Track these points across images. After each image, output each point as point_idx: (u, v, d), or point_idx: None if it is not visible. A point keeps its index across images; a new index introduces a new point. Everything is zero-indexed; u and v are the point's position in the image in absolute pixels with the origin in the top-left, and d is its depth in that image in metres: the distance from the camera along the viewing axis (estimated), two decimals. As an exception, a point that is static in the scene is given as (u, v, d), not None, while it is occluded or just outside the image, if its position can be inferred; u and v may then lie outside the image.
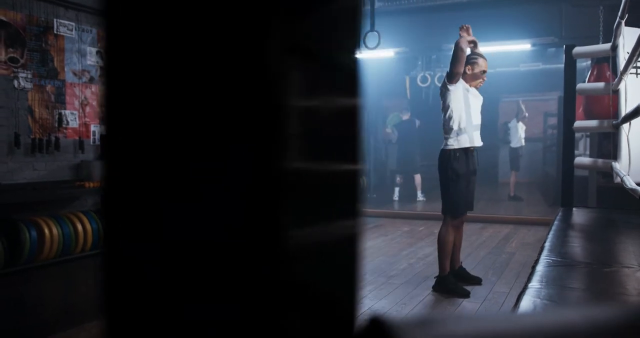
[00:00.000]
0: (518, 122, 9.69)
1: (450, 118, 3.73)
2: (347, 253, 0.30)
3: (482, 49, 7.35)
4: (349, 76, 0.32)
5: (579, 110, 4.88)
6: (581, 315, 0.38)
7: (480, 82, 3.84)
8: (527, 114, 9.82)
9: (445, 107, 3.76)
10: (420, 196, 9.28)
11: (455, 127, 3.71)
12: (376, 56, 7.71)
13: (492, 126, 12.12)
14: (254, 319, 0.29)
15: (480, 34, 6.85)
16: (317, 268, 0.30)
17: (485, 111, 12.80)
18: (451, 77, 3.69)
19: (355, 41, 0.33)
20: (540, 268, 2.48)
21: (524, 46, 6.91)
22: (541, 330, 0.35)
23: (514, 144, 9.53)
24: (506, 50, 7.40)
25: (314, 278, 0.30)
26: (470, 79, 3.77)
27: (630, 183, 2.55)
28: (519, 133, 9.47)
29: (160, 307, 0.29)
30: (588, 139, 6.85)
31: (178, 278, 0.29)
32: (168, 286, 0.29)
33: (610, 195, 5.61)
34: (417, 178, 9.33)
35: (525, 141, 10.02)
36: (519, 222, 6.85)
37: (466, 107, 3.73)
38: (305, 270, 0.30)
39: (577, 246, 3.05)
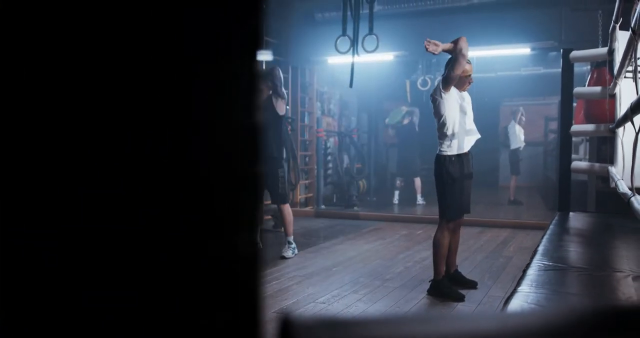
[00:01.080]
0: (516, 124, 9.67)
1: (444, 124, 3.73)
2: (247, 252, 0.30)
3: (482, 53, 7.36)
4: (247, 86, 0.32)
5: (580, 114, 4.88)
6: (500, 321, 0.38)
7: (467, 86, 3.84)
8: (524, 118, 9.80)
9: (439, 115, 3.76)
10: (420, 200, 9.27)
11: (449, 133, 3.72)
12: (376, 59, 7.71)
13: (493, 130, 12.10)
14: (153, 308, 0.29)
15: (479, 38, 6.86)
16: (217, 260, 0.30)
17: (486, 115, 12.88)
18: (448, 82, 3.67)
19: (255, 51, 0.33)
20: (531, 272, 2.47)
21: (523, 50, 6.90)
22: (460, 334, 0.35)
23: (513, 146, 9.51)
24: (506, 54, 7.40)
25: (215, 270, 0.30)
26: (457, 84, 3.77)
27: (622, 187, 2.54)
28: (517, 134, 9.46)
29: (58, 294, 0.29)
30: (588, 143, 6.83)
31: (75, 266, 0.29)
32: (66, 273, 0.29)
33: (609, 199, 5.58)
34: (417, 181, 9.32)
35: (526, 145, 9.99)
36: (517, 226, 6.83)
37: (461, 113, 3.73)
38: (205, 260, 0.30)
39: (570, 250, 3.03)
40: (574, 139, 6.51)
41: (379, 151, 12.26)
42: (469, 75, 3.81)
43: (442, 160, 3.77)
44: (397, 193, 9.42)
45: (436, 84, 3.85)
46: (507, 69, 10.19)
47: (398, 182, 9.57)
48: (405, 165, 9.43)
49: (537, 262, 2.66)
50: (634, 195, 1.99)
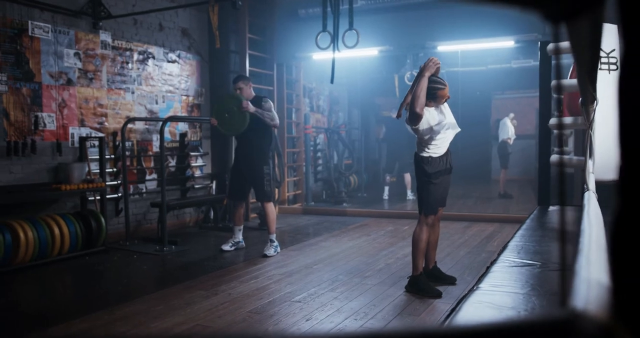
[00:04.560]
0: (508, 118, 9.64)
1: (421, 138, 3.74)
2: None
3: (466, 46, 7.31)
4: None
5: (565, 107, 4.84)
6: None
7: (444, 102, 3.81)
8: (515, 121, 9.81)
9: (415, 132, 3.76)
10: (410, 195, 9.23)
11: (425, 145, 3.73)
12: (362, 55, 7.67)
13: (485, 123, 12.09)
14: None
15: (463, 32, 6.82)
16: None
17: (477, 109, 12.78)
18: (414, 122, 3.66)
19: None
20: (495, 268, 2.44)
21: (507, 43, 6.85)
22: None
23: (501, 137, 9.48)
24: (491, 48, 7.35)
25: None
26: (433, 105, 3.74)
27: (589, 180, 2.51)
28: (508, 126, 9.43)
29: None
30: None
31: None
32: None
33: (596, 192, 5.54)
34: (407, 177, 9.28)
35: (517, 138, 9.96)
36: (504, 220, 6.80)
37: (436, 126, 3.69)
38: None
39: (541, 246, 3.00)
40: (564, 131, 6.47)
41: (371, 147, 12.22)
42: (446, 97, 3.78)
43: (419, 160, 3.76)
44: (387, 189, 9.38)
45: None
46: (498, 62, 10.17)
47: (388, 177, 9.53)
48: (394, 161, 9.39)
49: (504, 258, 2.63)
50: (587, 190, 1.96)
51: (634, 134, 0.45)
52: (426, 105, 3.67)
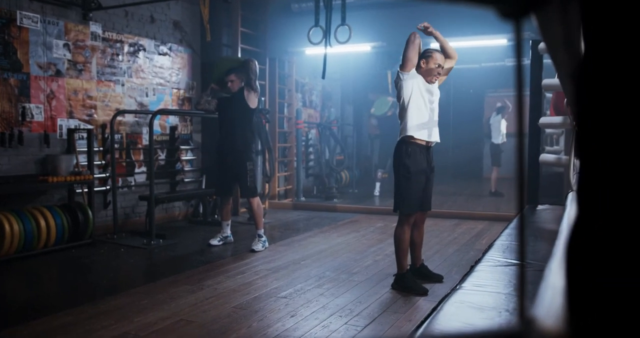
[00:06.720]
0: (502, 118, 9.56)
1: (404, 109, 3.70)
2: None
3: (459, 43, 7.28)
4: None
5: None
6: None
7: (436, 77, 3.77)
8: (510, 105, 9.71)
9: (399, 97, 3.74)
10: (401, 191, 9.21)
11: (410, 118, 3.68)
12: (354, 50, 7.65)
13: (477, 121, 12.08)
14: None
15: (456, 29, 6.79)
16: None
17: (470, 106, 12.72)
18: (404, 64, 3.66)
19: None
20: (480, 268, 2.43)
21: (500, 41, 6.84)
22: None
23: (495, 140, 9.42)
24: (483, 46, 7.34)
25: None
26: (425, 73, 3.72)
27: (573, 180, 2.51)
28: (501, 129, 9.37)
29: None
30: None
31: None
32: None
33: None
34: (399, 173, 9.26)
35: (511, 136, 9.92)
36: (494, 218, 6.81)
37: (422, 101, 3.68)
38: None
39: (527, 245, 3.00)
40: (553, 130, 6.47)
41: (363, 142, 12.20)
42: (439, 66, 3.75)
43: (400, 151, 3.73)
44: (378, 185, 9.37)
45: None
46: (492, 60, 10.14)
47: (379, 173, 9.51)
48: (386, 157, 9.37)
49: (489, 257, 2.63)
50: (570, 190, 1.95)
51: (589, 139, 0.43)
52: (417, 69, 3.69)
